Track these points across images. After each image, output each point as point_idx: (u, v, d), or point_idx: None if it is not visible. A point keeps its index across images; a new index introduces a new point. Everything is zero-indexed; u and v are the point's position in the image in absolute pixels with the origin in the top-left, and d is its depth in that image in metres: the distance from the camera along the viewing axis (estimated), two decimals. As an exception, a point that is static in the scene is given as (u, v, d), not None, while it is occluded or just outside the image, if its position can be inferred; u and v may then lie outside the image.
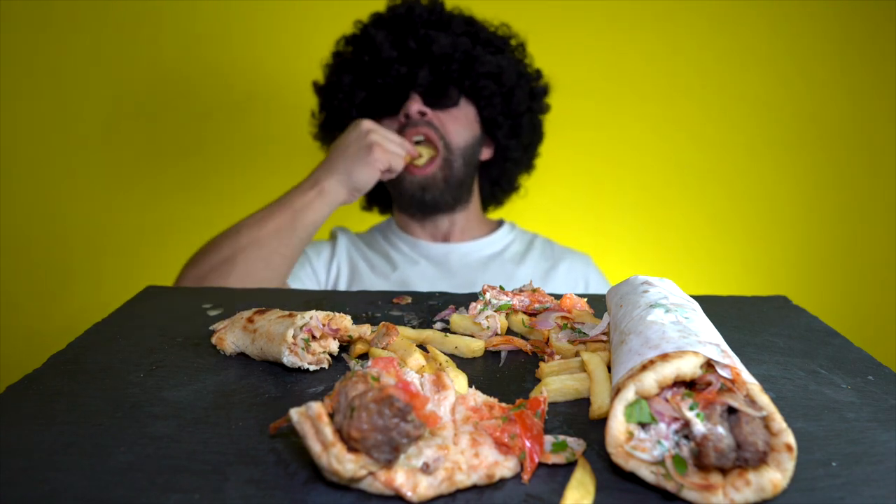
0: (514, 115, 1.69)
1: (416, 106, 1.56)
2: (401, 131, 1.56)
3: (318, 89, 1.74)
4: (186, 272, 1.40)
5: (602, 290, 1.68)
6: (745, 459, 0.48)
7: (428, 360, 0.72)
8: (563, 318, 0.83)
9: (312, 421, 0.49)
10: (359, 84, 1.63)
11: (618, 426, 0.50)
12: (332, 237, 1.78)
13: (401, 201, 1.67)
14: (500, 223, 1.82)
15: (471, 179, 1.68)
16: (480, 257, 1.68)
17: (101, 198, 2.15)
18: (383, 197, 1.83)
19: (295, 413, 0.50)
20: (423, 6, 1.62)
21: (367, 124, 1.44)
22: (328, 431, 0.48)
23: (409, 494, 0.48)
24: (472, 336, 0.80)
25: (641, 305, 0.65)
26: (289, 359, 0.70)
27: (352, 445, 0.48)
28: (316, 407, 0.49)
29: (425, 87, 1.58)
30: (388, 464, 0.49)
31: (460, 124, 1.61)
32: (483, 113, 1.66)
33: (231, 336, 0.76)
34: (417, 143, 1.56)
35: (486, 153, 1.73)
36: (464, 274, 1.64)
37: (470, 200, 1.72)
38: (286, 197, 1.41)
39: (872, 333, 2.21)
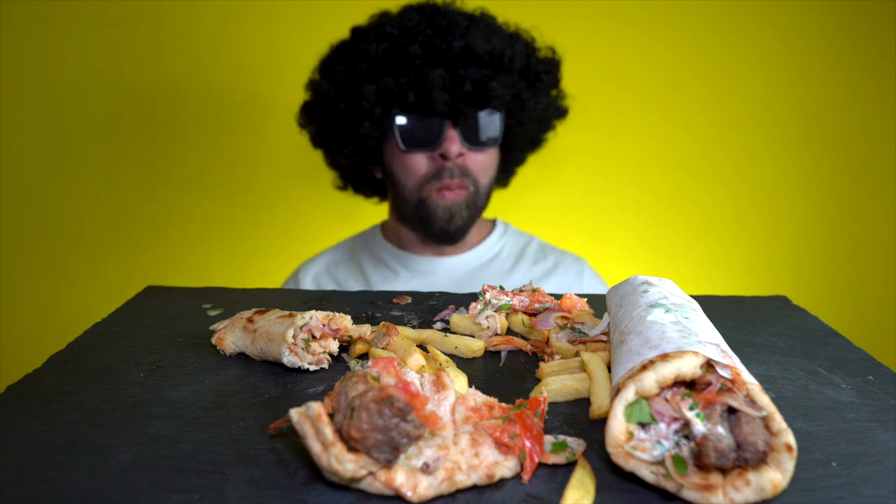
0: (535, 139, 1.66)
1: (455, 146, 1.41)
2: (435, 174, 1.43)
3: (324, 90, 1.53)
4: None
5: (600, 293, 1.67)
6: (745, 459, 0.48)
7: (428, 360, 0.72)
8: (563, 318, 0.83)
9: (312, 421, 0.49)
10: (388, 104, 1.44)
11: (618, 426, 0.50)
12: (294, 277, 1.68)
13: (425, 227, 1.50)
14: (493, 225, 1.73)
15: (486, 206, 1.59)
16: (468, 270, 1.60)
17: (101, 198, 2.15)
18: (371, 183, 1.69)
19: (295, 413, 0.50)
20: (480, 32, 1.43)
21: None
22: (328, 431, 0.48)
23: (409, 494, 0.48)
24: (472, 336, 0.80)
25: (641, 305, 0.65)
26: (289, 359, 0.70)
27: (352, 445, 0.48)
28: (316, 407, 0.49)
29: (464, 125, 1.43)
30: (389, 464, 0.49)
31: (491, 162, 1.52)
32: (509, 141, 1.58)
33: (231, 336, 0.75)
34: None
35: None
36: (449, 287, 1.55)
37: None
38: None
39: (872, 333, 2.21)
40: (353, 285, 1.60)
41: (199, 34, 2.10)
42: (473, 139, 1.45)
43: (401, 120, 1.44)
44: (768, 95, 2.21)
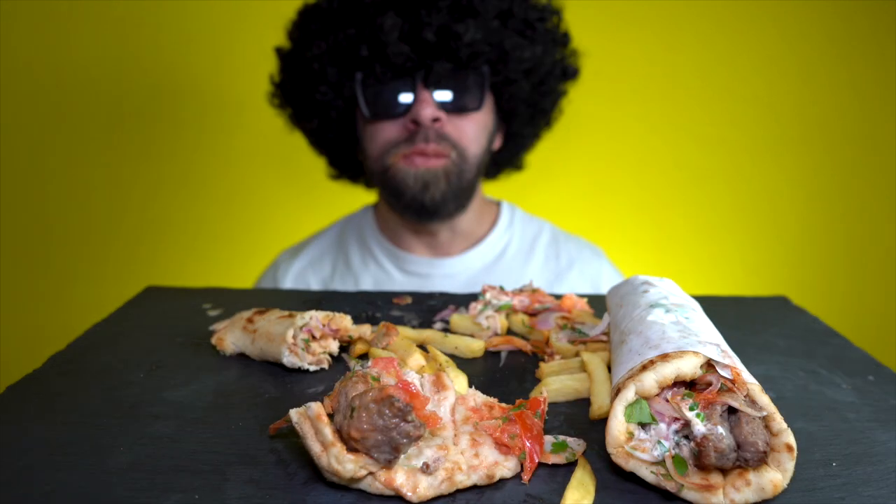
0: (539, 106, 1.39)
1: (429, 110, 1.18)
2: (408, 140, 1.22)
3: (284, 56, 1.36)
4: None
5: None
6: (746, 459, 0.48)
7: (428, 360, 0.72)
8: (563, 318, 0.83)
9: (312, 421, 0.49)
10: (344, 64, 1.23)
11: (618, 426, 0.50)
12: (273, 273, 1.48)
13: (396, 201, 1.29)
14: (498, 210, 1.50)
15: (477, 181, 1.36)
16: (471, 273, 1.38)
17: (101, 198, 2.15)
18: (353, 165, 1.48)
19: (295, 413, 0.50)
20: None
21: None
22: (328, 432, 0.48)
23: (409, 494, 0.48)
24: (472, 336, 0.80)
25: (641, 305, 0.65)
26: (289, 359, 0.70)
27: (352, 445, 0.48)
28: (315, 407, 0.49)
29: (440, 84, 1.21)
30: (389, 464, 0.49)
31: (479, 128, 1.28)
32: (504, 106, 1.33)
33: (231, 336, 0.75)
34: None
35: (496, 143, 1.40)
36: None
37: (473, 199, 1.38)
38: None
39: (872, 333, 2.21)
40: (340, 286, 1.41)
41: (199, 34, 2.10)
42: (451, 102, 1.22)
43: (363, 83, 1.22)
44: (769, 95, 2.21)
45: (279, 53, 1.37)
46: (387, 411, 0.48)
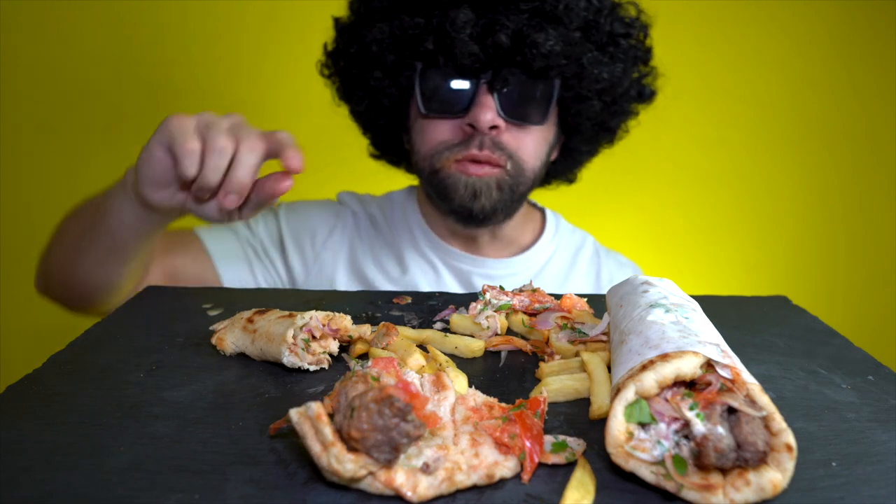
0: (605, 125, 1.31)
1: (488, 116, 1.10)
2: (462, 144, 1.14)
3: (342, 28, 1.25)
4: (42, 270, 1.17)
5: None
6: (745, 459, 0.48)
7: (428, 360, 0.72)
8: (563, 318, 0.83)
9: (312, 421, 0.49)
10: (405, 52, 1.14)
11: (618, 426, 0.50)
12: (339, 210, 1.39)
13: (442, 204, 1.23)
14: (543, 218, 1.45)
15: (530, 193, 1.29)
16: (515, 280, 1.32)
17: (101, 198, 2.15)
18: (398, 151, 1.40)
19: (294, 413, 0.50)
20: None
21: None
22: (328, 432, 0.48)
23: (409, 494, 0.48)
24: (472, 336, 0.80)
25: (641, 305, 0.65)
26: (289, 359, 0.70)
27: (352, 445, 0.48)
28: (315, 407, 0.49)
29: (505, 90, 1.12)
30: (389, 463, 0.49)
31: (538, 142, 1.20)
32: (569, 121, 1.25)
33: (231, 336, 0.75)
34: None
35: (552, 154, 1.32)
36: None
37: (521, 207, 1.32)
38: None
39: (872, 333, 2.21)
40: (386, 258, 1.31)
41: (200, 35, 2.10)
42: (514, 110, 1.13)
43: (422, 75, 1.14)
44: (769, 95, 2.21)
45: (336, 23, 1.27)
46: (387, 411, 0.48)
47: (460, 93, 1.13)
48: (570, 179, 1.48)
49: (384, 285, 1.30)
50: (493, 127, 1.12)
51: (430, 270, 1.32)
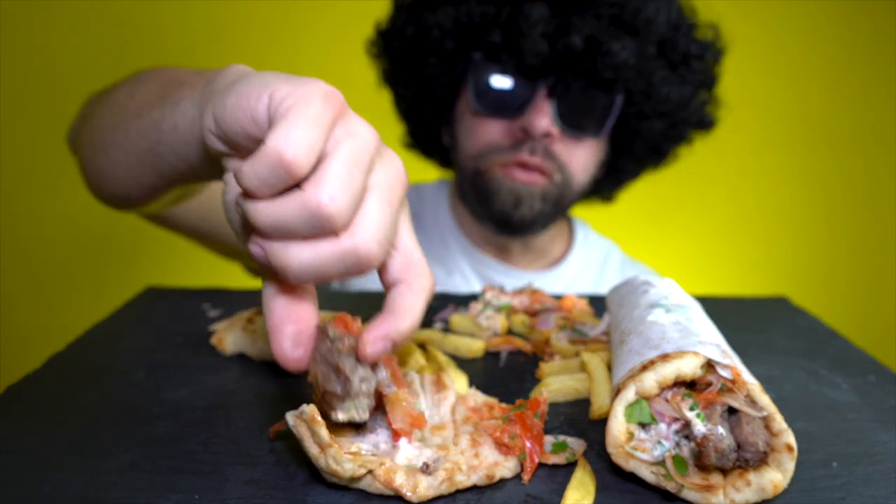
0: (658, 148, 1.26)
1: (544, 122, 1.05)
2: (512, 148, 1.08)
3: (400, 5, 1.16)
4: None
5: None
6: (746, 460, 0.48)
7: (428, 360, 0.72)
8: (563, 318, 0.83)
9: (307, 424, 0.49)
10: (466, 41, 1.06)
11: (618, 426, 0.50)
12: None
13: (481, 208, 1.18)
14: (571, 229, 1.40)
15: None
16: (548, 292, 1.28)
17: (101, 198, 2.15)
18: (434, 144, 1.32)
19: (290, 417, 0.50)
20: None
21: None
22: (323, 433, 0.48)
23: (408, 494, 0.48)
24: (472, 336, 0.80)
25: (642, 305, 0.65)
26: (289, 359, 0.70)
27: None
28: (309, 410, 0.49)
29: (565, 97, 1.06)
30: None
31: (590, 156, 1.15)
32: (624, 138, 1.20)
33: (231, 336, 0.75)
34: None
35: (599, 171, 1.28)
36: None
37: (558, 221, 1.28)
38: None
39: (873, 334, 2.21)
40: (435, 251, 1.25)
41: (200, 35, 2.10)
42: (571, 120, 1.07)
43: (481, 69, 1.07)
44: (769, 94, 2.21)
45: (396, 0, 1.18)
46: (322, 344, 0.48)
47: (517, 93, 1.07)
48: (608, 198, 1.42)
49: None
50: (547, 134, 1.06)
51: (458, 276, 1.26)
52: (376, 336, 0.48)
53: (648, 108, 1.13)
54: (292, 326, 0.48)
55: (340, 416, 0.49)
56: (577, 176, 1.14)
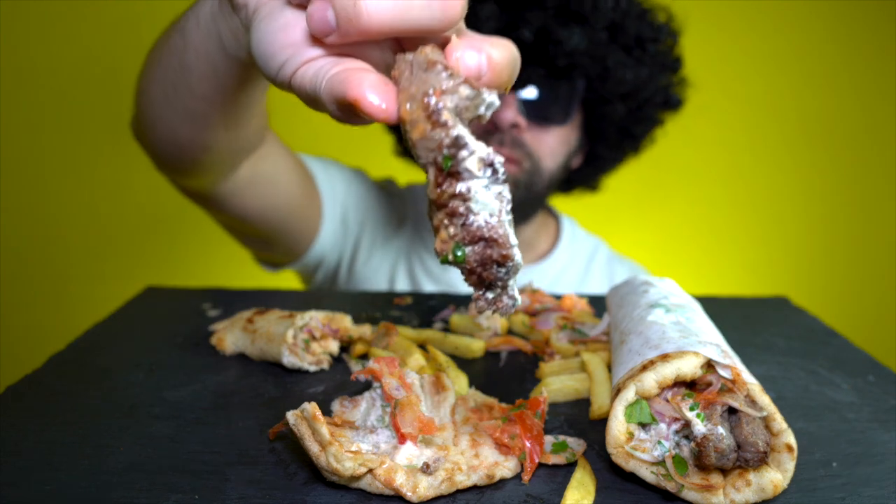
0: (630, 132, 1.31)
1: (509, 114, 1.10)
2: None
3: None
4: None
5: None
6: (746, 460, 0.48)
7: (428, 360, 0.72)
8: (564, 318, 0.83)
9: (308, 422, 0.49)
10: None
11: (618, 426, 0.50)
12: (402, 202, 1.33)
13: None
14: (558, 225, 1.43)
15: (547, 196, 1.29)
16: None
17: (101, 198, 2.14)
18: None
19: (291, 416, 0.50)
20: None
21: None
22: (324, 431, 0.48)
23: (408, 494, 0.48)
24: (472, 336, 0.80)
25: (642, 305, 0.65)
26: (288, 359, 0.70)
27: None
28: (310, 408, 0.49)
29: (527, 89, 1.13)
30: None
31: (559, 143, 1.20)
32: (593, 125, 1.25)
33: (231, 336, 0.75)
34: None
35: (576, 161, 1.32)
36: None
37: (538, 213, 1.32)
38: None
39: (873, 334, 2.21)
40: (428, 259, 1.28)
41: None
42: (535, 109, 1.12)
43: None
44: (769, 94, 2.21)
45: None
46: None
47: None
48: (593, 187, 1.48)
49: (427, 285, 1.28)
50: (514, 125, 1.12)
51: (457, 275, 1.27)
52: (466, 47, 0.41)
53: (608, 92, 1.17)
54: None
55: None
56: (544, 160, 1.18)
